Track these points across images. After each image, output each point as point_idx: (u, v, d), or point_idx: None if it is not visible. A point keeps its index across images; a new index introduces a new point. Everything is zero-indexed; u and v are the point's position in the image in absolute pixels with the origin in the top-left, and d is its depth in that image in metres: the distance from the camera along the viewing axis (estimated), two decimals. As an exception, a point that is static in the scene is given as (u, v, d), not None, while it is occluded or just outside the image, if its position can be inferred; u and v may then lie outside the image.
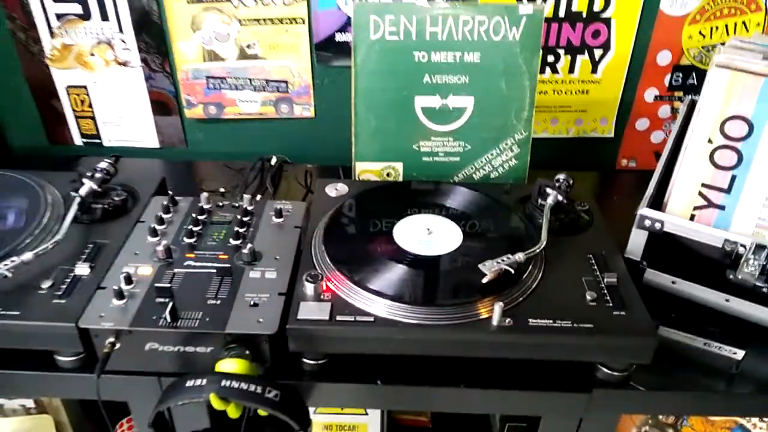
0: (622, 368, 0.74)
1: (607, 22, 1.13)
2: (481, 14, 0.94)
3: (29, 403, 1.04)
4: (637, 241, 0.84)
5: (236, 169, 1.14)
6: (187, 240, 0.83)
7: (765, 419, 0.88)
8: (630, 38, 1.14)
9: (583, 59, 1.16)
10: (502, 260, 0.74)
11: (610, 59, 1.16)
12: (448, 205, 0.90)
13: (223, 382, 0.66)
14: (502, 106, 0.98)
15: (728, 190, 0.82)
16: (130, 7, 1.10)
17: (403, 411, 1.09)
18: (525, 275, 0.76)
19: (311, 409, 1.02)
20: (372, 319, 0.71)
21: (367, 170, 1.02)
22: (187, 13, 1.11)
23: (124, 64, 1.16)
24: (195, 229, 0.84)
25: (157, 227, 0.84)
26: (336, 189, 0.94)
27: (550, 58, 1.16)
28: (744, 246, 0.77)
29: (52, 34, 1.14)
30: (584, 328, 0.70)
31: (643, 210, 0.82)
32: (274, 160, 1.15)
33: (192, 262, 0.79)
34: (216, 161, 1.22)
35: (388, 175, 1.02)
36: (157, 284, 0.74)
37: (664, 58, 1.16)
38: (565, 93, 1.20)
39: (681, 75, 1.18)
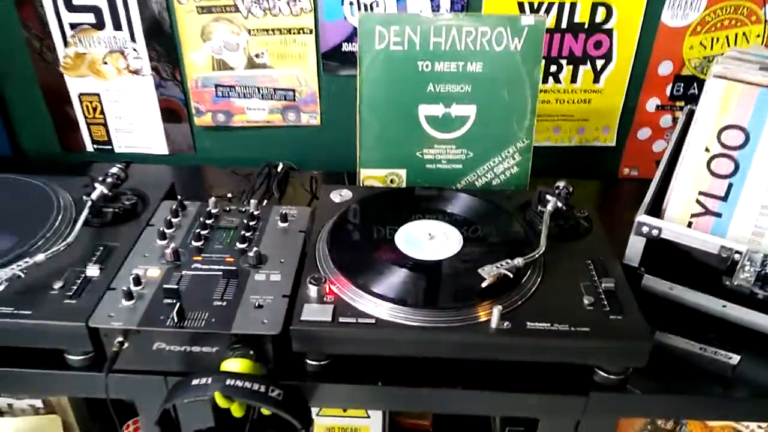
0: (619, 372, 0.75)
1: (609, 33, 1.15)
2: (484, 25, 0.96)
3: (38, 403, 1.07)
4: (635, 248, 0.85)
5: (243, 175, 1.17)
6: (194, 243, 0.85)
7: (761, 424, 0.89)
8: (631, 49, 1.16)
9: (585, 69, 1.18)
10: (501, 265, 0.75)
11: (611, 69, 1.18)
12: (449, 210, 0.92)
13: (228, 381, 0.67)
14: (504, 114, 1.00)
15: (725, 198, 0.83)
16: (142, 16, 1.13)
17: (404, 414, 1.11)
18: (524, 280, 0.77)
19: (314, 412, 1.04)
20: (373, 321, 0.72)
21: (371, 177, 1.04)
22: (197, 23, 1.14)
23: (136, 72, 1.19)
24: (203, 232, 0.86)
25: (166, 230, 0.86)
26: (340, 195, 0.96)
27: (553, 68, 1.18)
28: (740, 253, 0.78)
29: (66, 42, 1.17)
30: (581, 331, 0.71)
31: (641, 217, 0.84)
32: (280, 167, 1.17)
33: (199, 265, 0.81)
34: (224, 167, 1.24)
35: (391, 181, 1.04)
36: (165, 286, 0.76)
37: (665, 68, 1.18)
38: (568, 102, 1.22)
39: (682, 85, 1.20)
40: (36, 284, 0.77)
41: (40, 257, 0.77)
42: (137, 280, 0.77)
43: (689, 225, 0.85)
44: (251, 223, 0.88)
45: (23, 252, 0.80)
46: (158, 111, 1.24)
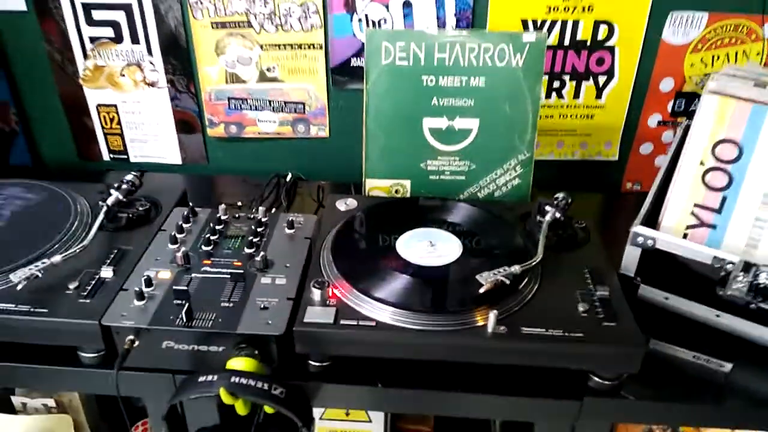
0: (613, 377, 0.77)
1: (611, 50, 1.17)
2: (487, 42, 0.99)
3: (51, 402, 1.10)
4: (631, 258, 0.88)
5: (253, 185, 1.20)
6: (204, 248, 0.88)
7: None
8: (633, 66, 1.19)
9: (587, 85, 1.21)
10: (499, 272, 0.78)
11: (614, 86, 1.21)
12: (450, 220, 0.95)
13: (233, 379, 0.70)
14: (506, 128, 1.03)
15: (719, 210, 0.85)
16: (159, 31, 1.18)
17: (405, 420, 1.13)
18: (521, 286, 0.80)
19: (317, 416, 1.06)
20: (374, 323, 0.75)
21: (376, 187, 1.07)
22: (212, 38, 1.18)
23: (152, 84, 1.24)
24: (212, 237, 0.89)
25: (177, 235, 0.90)
26: (346, 204, 0.99)
27: (556, 84, 1.21)
28: (732, 263, 0.80)
29: (85, 55, 1.22)
30: (575, 337, 0.74)
31: (637, 228, 0.86)
32: (289, 177, 1.21)
33: (208, 268, 0.84)
34: (235, 177, 1.28)
35: (396, 191, 1.07)
36: (175, 287, 0.79)
37: (666, 85, 1.21)
38: (571, 117, 1.25)
39: (684, 101, 1.22)
40: (52, 284, 0.80)
41: (57, 258, 0.81)
42: (149, 282, 0.80)
43: (685, 236, 0.87)
44: (259, 230, 0.92)
45: (41, 253, 0.84)
46: (173, 122, 1.28)
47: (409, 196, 1.07)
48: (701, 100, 0.86)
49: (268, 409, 0.76)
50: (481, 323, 0.75)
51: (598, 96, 1.22)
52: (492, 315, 0.74)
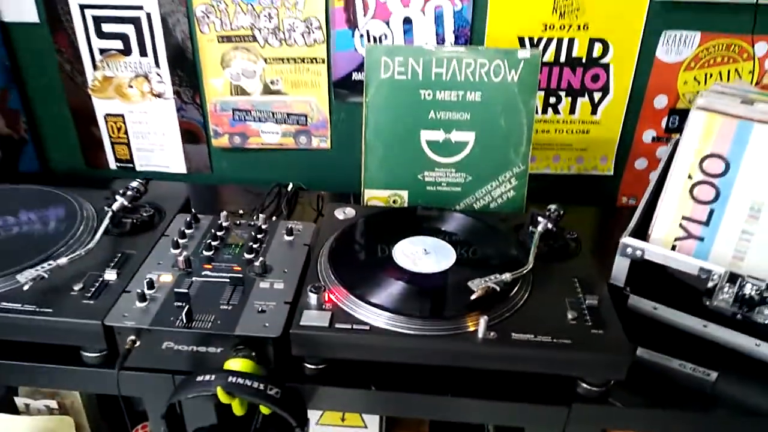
0: (601, 384, 0.79)
1: (606, 67, 1.20)
2: (483, 58, 1.02)
3: (53, 404, 1.12)
4: (620, 268, 0.90)
5: (255, 194, 1.23)
6: (205, 253, 0.91)
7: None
8: (627, 83, 1.22)
9: (583, 101, 1.24)
10: (490, 279, 0.80)
11: (608, 102, 1.24)
12: (444, 229, 0.97)
13: (230, 378, 0.73)
14: (501, 141, 1.06)
15: (707, 223, 0.88)
16: (167, 44, 1.22)
17: (401, 426, 1.14)
18: (512, 294, 0.82)
19: (313, 421, 1.08)
20: (367, 327, 0.77)
21: (375, 197, 1.10)
22: (218, 52, 1.22)
23: (159, 95, 1.27)
24: (213, 243, 0.92)
25: (180, 240, 0.93)
26: (344, 212, 1.01)
27: (552, 100, 1.24)
28: (718, 275, 0.82)
29: (95, 66, 1.25)
30: (562, 343, 0.76)
31: (625, 239, 0.88)
32: (290, 186, 1.24)
33: (209, 272, 0.87)
34: (237, 186, 1.31)
35: (394, 202, 1.10)
36: (176, 290, 0.81)
37: (660, 101, 1.23)
38: (567, 132, 1.27)
39: (678, 118, 1.25)
40: (58, 285, 0.83)
41: (62, 260, 0.84)
42: (151, 284, 0.83)
43: (673, 248, 0.90)
44: (259, 236, 0.94)
45: (48, 255, 0.87)
46: (178, 132, 1.31)
47: (406, 206, 1.10)
48: (689, 116, 0.88)
49: (265, 410, 0.78)
50: (472, 329, 0.77)
51: (594, 112, 1.25)
52: (482, 321, 0.76)
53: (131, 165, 1.36)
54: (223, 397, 0.73)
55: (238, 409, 0.77)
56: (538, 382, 0.80)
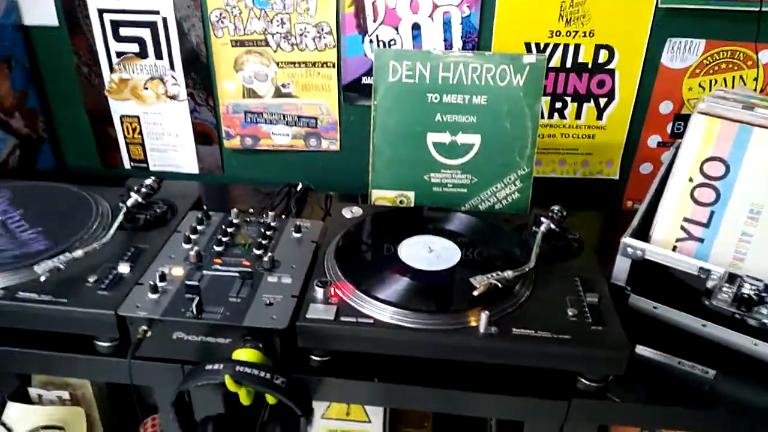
0: (600, 379, 0.80)
1: (611, 73, 1.22)
2: (489, 62, 1.05)
3: (65, 395, 1.15)
4: (621, 268, 0.91)
5: (265, 194, 1.26)
6: (216, 248, 0.93)
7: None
8: (633, 88, 1.23)
9: (589, 106, 1.26)
10: (492, 276, 0.82)
11: (614, 107, 1.26)
12: (449, 228, 1.00)
13: (238, 368, 0.75)
14: (507, 144, 1.08)
15: (707, 225, 0.89)
16: (182, 48, 1.25)
17: (404, 421, 1.16)
18: (513, 290, 0.84)
19: (317, 415, 1.10)
20: (372, 321, 0.80)
21: (382, 197, 1.12)
22: (231, 55, 1.25)
23: (173, 97, 1.31)
24: (224, 239, 0.95)
25: (191, 236, 0.95)
26: (351, 211, 1.04)
27: (558, 105, 1.26)
28: (717, 274, 0.83)
29: (111, 69, 1.29)
30: (562, 338, 0.77)
31: (626, 239, 0.90)
32: (299, 187, 1.26)
33: (218, 267, 0.90)
34: (248, 186, 1.34)
35: (401, 202, 1.12)
36: (187, 282, 0.84)
37: (665, 107, 1.25)
38: (572, 137, 1.29)
39: (683, 124, 1.26)
40: (73, 277, 0.86)
41: (78, 253, 0.87)
42: (163, 277, 0.85)
43: (674, 249, 0.91)
44: (268, 233, 0.97)
45: (64, 248, 0.90)
46: (192, 133, 1.34)
47: (413, 206, 1.12)
48: (691, 120, 0.90)
49: (271, 400, 0.80)
50: (474, 324, 0.79)
51: (599, 117, 1.27)
52: (484, 316, 0.78)
53: (145, 165, 1.40)
54: (231, 386, 0.75)
55: (245, 399, 0.79)
56: (537, 378, 0.81)
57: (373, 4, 1.18)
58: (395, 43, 1.21)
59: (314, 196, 1.27)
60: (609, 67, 1.22)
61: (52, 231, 0.95)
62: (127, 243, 0.94)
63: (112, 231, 0.93)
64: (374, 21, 1.19)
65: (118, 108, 1.33)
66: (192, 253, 0.90)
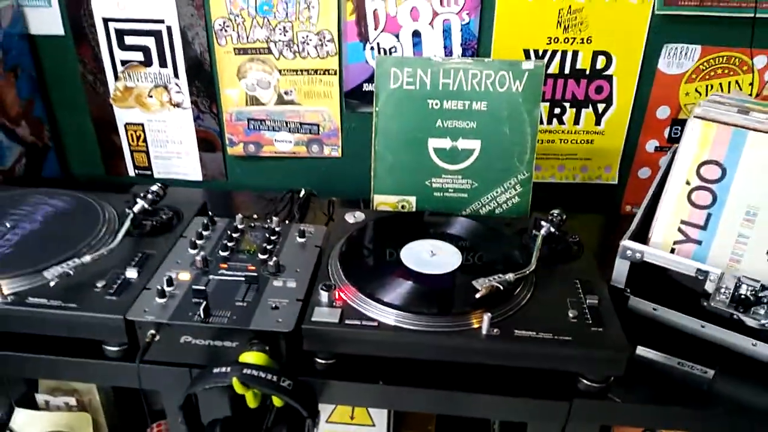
0: (601, 380, 0.82)
1: (609, 79, 1.24)
2: (489, 69, 1.07)
3: (72, 401, 1.16)
4: (620, 270, 0.93)
5: (269, 200, 1.27)
6: (221, 253, 0.95)
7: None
8: (630, 94, 1.25)
9: (587, 112, 1.28)
10: (494, 278, 0.84)
11: (612, 113, 1.27)
12: (450, 232, 1.01)
13: (245, 370, 0.76)
14: (506, 149, 1.10)
15: (704, 227, 0.91)
16: (186, 56, 1.27)
17: (408, 424, 1.17)
18: (515, 293, 0.85)
19: (322, 419, 1.11)
20: (376, 324, 0.81)
21: (383, 203, 1.14)
22: (234, 63, 1.27)
23: (177, 105, 1.32)
24: (229, 244, 0.96)
25: (197, 241, 0.97)
26: (354, 216, 1.05)
27: (557, 111, 1.28)
28: (715, 276, 0.85)
29: (116, 77, 1.31)
30: (563, 340, 0.79)
31: (625, 242, 0.91)
32: (302, 193, 1.28)
33: (224, 271, 0.91)
34: (251, 193, 1.36)
35: (402, 207, 1.14)
36: (194, 287, 0.85)
37: (663, 112, 1.27)
38: (571, 142, 1.31)
39: (680, 128, 1.28)
40: (82, 282, 0.87)
41: (87, 259, 0.88)
42: (170, 282, 0.87)
43: (672, 251, 0.93)
44: (272, 238, 0.98)
45: (73, 254, 0.91)
46: (195, 141, 1.36)
47: (414, 211, 1.14)
48: (687, 124, 0.92)
49: (277, 402, 0.81)
50: (476, 326, 0.81)
51: (597, 122, 1.29)
52: (486, 317, 0.79)
53: (149, 172, 1.41)
54: (238, 388, 0.77)
55: (251, 401, 0.80)
56: (540, 379, 0.83)
57: (374, 12, 1.20)
58: (396, 51, 1.23)
59: (317, 201, 1.29)
60: (607, 73, 1.24)
61: (61, 237, 0.96)
62: (134, 248, 0.96)
63: (119, 237, 0.94)
64: (375, 29, 1.21)
65: (122, 116, 1.35)
66: (198, 258, 0.91)
